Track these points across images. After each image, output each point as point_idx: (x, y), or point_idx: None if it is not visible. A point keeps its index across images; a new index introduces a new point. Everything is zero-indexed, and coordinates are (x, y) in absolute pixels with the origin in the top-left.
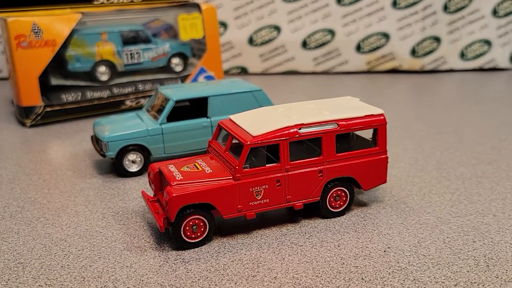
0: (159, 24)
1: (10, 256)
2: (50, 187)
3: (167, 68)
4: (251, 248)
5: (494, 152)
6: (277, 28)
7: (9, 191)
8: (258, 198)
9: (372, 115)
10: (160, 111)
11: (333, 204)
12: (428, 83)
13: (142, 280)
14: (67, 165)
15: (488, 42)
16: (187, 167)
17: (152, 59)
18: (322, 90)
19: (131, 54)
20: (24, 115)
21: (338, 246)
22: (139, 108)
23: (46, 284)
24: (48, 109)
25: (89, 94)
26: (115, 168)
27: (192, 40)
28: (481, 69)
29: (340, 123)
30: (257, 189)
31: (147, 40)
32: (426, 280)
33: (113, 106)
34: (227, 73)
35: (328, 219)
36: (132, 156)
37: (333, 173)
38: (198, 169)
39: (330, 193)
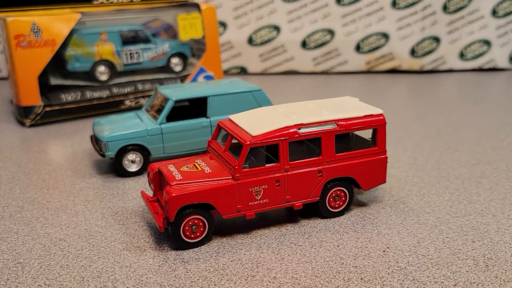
0: (159, 24)
1: (9, 256)
2: (50, 187)
3: (166, 68)
4: (251, 248)
5: (493, 152)
6: (277, 28)
7: (8, 191)
8: (258, 198)
9: (372, 115)
10: (159, 111)
11: (332, 204)
12: (427, 83)
13: (142, 280)
14: (66, 165)
15: (487, 42)
16: (186, 167)
17: (152, 59)
18: (321, 90)
19: (130, 54)
20: (24, 115)
21: (338, 246)
22: (139, 108)
23: (45, 284)
24: (48, 109)
25: (89, 94)
26: (114, 168)
27: (192, 40)
28: (480, 69)
29: (340, 123)
30: (256, 189)
31: (146, 40)
32: (425, 280)
33: (113, 106)
34: (226, 73)
35: (328, 219)
36: (131, 156)
37: (332, 173)
38: (197, 169)
39: (330, 193)
